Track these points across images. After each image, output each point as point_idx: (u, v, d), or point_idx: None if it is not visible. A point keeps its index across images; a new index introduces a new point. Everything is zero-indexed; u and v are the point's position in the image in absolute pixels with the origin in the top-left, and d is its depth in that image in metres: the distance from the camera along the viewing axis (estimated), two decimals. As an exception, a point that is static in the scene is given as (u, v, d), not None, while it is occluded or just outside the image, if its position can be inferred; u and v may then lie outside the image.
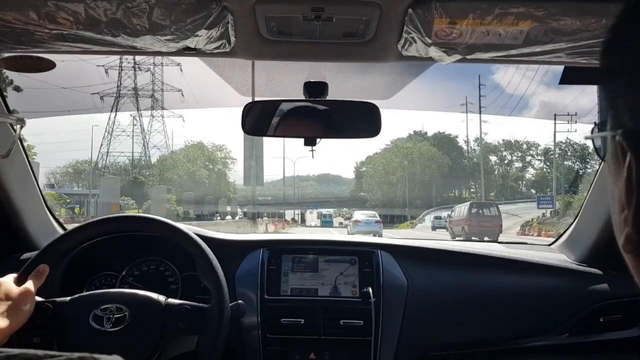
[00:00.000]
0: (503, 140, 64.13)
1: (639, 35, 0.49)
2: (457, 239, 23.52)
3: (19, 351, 0.48)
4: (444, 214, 32.24)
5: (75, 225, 1.56)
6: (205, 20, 1.04)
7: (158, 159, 58.41)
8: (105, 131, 54.68)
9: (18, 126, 0.72)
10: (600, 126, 0.57)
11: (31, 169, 1.83)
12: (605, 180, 1.72)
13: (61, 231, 1.95)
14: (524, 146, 62.23)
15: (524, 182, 63.92)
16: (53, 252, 1.49)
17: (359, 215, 31.02)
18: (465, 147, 66.67)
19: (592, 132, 0.59)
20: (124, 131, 55.21)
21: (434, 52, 1.16)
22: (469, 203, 28.66)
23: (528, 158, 63.86)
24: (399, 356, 1.63)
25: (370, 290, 1.64)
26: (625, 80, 0.50)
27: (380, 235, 26.69)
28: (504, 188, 63.40)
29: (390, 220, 45.78)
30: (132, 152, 57.85)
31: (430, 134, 68.05)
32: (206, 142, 61.41)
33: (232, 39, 1.16)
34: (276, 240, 1.85)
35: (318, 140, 1.49)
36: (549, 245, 2.13)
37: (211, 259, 1.45)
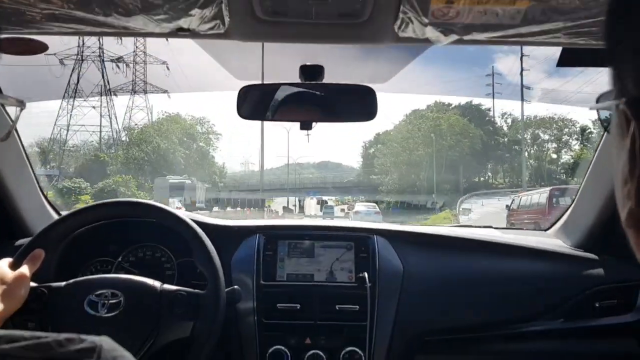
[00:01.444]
0: (535, 116, 51.71)
1: None
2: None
3: (5, 332, 0.48)
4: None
5: (71, 210, 1.55)
6: (198, 0, 1.03)
7: (131, 135, 46.03)
8: (63, 99, 42.40)
9: (18, 109, 0.71)
10: (605, 95, 0.55)
11: (25, 154, 1.82)
12: (602, 165, 1.73)
13: (56, 216, 1.94)
14: (560, 123, 49.95)
15: (561, 165, 51.22)
16: (48, 237, 1.49)
17: (359, 206, 32.45)
18: (497, 121, 52.93)
19: (597, 101, 0.58)
20: (85, 100, 43.75)
21: (430, 32, 1.14)
22: (548, 189, 20.83)
23: (564, 138, 51.32)
24: (394, 341, 1.63)
25: (366, 275, 1.64)
26: (631, 48, 0.49)
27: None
28: (539, 171, 50.29)
29: (412, 208, 37.40)
30: (100, 126, 45.25)
31: (455, 104, 52.90)
32: (184, 114, 49.86)
33: (226, 19, 1.14)
34: (272, 225, 1.85)
35: (314, 124, 1.48)
36: (545, 230, 2.14)
37: (208, 246, 1.44)
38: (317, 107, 1.49)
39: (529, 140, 52.68)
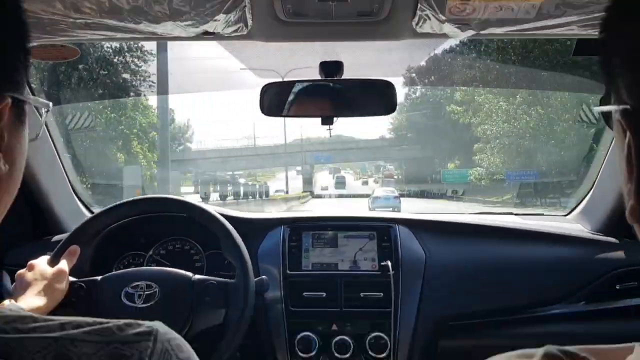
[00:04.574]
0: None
1: (637, 16, 0.50)
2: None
3: (70, 319, 0.53)
4: None
5: (104, 208, 1.62)
6: (223, 5, 1.07)
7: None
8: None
9: (44, 110, 0.77)
10: (606, 98, 0.58)
11: (57, 153, 1.89)
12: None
13: (88, 214, 2.02)
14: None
15: None
16: (83, 233, 1.56)
17: (378, 191, 31.54)
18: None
19: (600, 103, 0.60)
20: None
21: (448, 28, 1.18)
22: None
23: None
24: (418, 326, 1.68)
25: (389, 263, 1.69)
26: (623, 60, 0.51)
27: (399, 210, 26.68)
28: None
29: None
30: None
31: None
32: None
33: (249, 22, 1.19)
34: (296, 217, 1.90)
35: (335, 118, 1.52)
36: (565, 215, 2.16)
37: (235, 237, 1.50)
38: (337, 102, 1.52)
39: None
